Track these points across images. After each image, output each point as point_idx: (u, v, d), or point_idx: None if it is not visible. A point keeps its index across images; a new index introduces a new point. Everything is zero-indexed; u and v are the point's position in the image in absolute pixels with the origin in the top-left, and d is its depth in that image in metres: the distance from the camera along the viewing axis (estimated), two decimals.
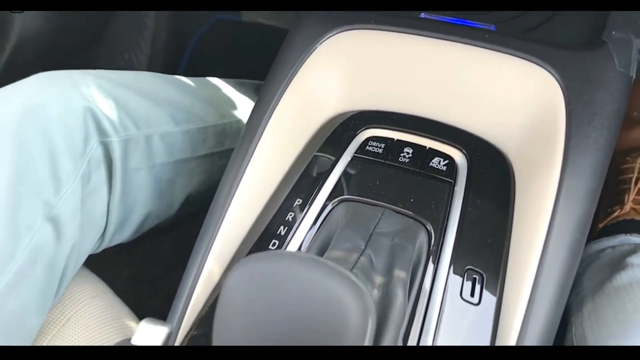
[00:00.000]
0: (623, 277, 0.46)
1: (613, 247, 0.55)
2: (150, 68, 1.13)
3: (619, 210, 0.60)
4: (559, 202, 0.38)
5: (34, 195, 0.38)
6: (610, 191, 0.64)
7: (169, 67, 1.16)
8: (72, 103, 0.41)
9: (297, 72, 0.46)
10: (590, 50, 0.42)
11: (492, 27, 0.46)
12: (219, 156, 0.54)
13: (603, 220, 0.61)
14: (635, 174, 0.61)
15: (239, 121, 0.58)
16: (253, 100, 0.64)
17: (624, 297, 0.43)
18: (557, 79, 0.41)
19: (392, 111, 0.45)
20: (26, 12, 1.02)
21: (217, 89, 0.60)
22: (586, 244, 0.60)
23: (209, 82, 0.61)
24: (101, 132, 0.42)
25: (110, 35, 1.12)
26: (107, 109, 0.43)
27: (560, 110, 0.40)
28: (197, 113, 0.52)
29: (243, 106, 0.60)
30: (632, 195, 0.60)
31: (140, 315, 0.49)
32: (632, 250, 0.52)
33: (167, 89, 0.52)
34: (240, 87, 0.64)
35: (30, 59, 1.04)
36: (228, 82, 0.64)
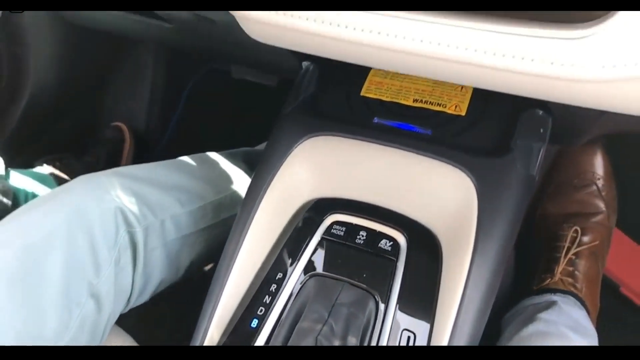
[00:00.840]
0: (529, 329, 0.59)
1: (535, 304, 0.69)
2: (149, 115, 1.25)
3: (549, 279, 0.73)
4: (470, 276, 0.51)
5: (81, 278, 0.51)
6: (546, 255, 0.76)
7: (166, 113, 1.28)
8: (106, 204, 0.54)
9: (278, 169, 0.59)
10: (499, 157, 0.56)
11: (429, 132, 0.59)
12: (215, 227, 0.67)
13: (538, 284, 0.74)
14: (567, 244, 0.75)
15: (233, 193, 0.71)
16: (243, 169, 0.77)
17: (522, 345, 0.57)
18: (472, 181, 0.54)
19: (352, 199, 0.59)
20: (37, 68, 1.13)
21: (213, 165, 0.73)
22: (520, 300, 0.74)
23: (206, 158, 0.74)
24: (128, 224, 0.55)
25: (113, 86, 1.24)
26: (131, 205, 0.56)
27: (474, 205, 0.53)
28: (198, 193, 0.65)
29: (236, 178, 0.74)
30: (561, 267, 0.73)
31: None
32: (547, 306, 0.66)
33: (173, 176, 0.65)
34: (232, 159, 0.77)
35: (44, 110, 1.16)
36: (222, 155, 0.77)
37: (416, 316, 0.51)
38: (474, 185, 0.54)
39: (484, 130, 0.59)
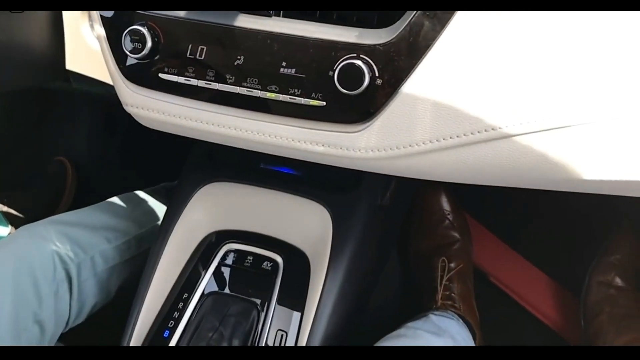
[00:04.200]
0: (392, 334, 0.74)
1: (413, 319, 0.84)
2: (89, 146, 1.38)
3: (434, 306, 0.90)
4: (326, 282, 0.68)
5: (26, 310, 0.66)
6: (427, 287, 0.93)
7: (105, 142, 1.40)
8: (44, 249, 0.69)
9: (182, 211, 0.75)
10: (350, 191, 0.73)
11: (300, 173, 0.76)
12: (139, 256, 0.82)
13: (424, 311, 0.90)
14: (439, 273, 0.93)
15: (154, 227, 0.86)
16: (163, 203, 0.93)
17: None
18: (329, 212, 0.71)
19: (242, 230, 0.75)
20: None
21: (137, 203, 0.89)
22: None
23: (131, 197, 0.89)
24: (63, 262, 0.70)
25: (53, 122, 1.36)
26: (65, 247, 0.71)
27: (330, 230, 0.70)
28: (122, 230, 0.81)
29: (156, 213, 0.89)
30: (440, 294, 0.91)
31: None
32: (418, 319, 0.82)
33: (102, 217, 0.80)
34: (154, 195, 0.92)
35: None
36: (146, 192, 0.92)
37: (288, 318, 0.68)
38: (330, 215, 0.71)
39: (341, 169, 0.76)
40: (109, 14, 0.58)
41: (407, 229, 1.02)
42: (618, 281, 0.93)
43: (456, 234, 0.97)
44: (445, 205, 0.98)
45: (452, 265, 0.94)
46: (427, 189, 1.00)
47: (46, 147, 1.35)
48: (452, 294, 0.92)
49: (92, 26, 0.71)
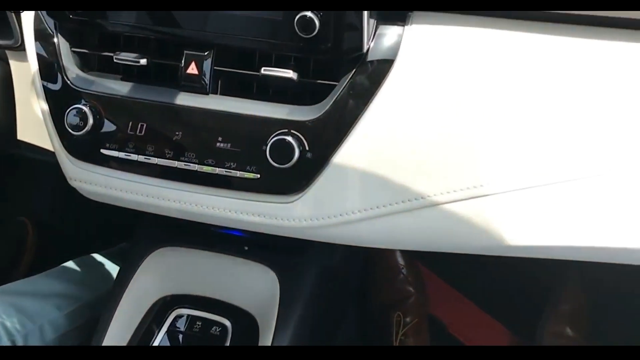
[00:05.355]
0: None
1: None
2: (53, 203, 1.37)
3: None
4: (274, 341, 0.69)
5: None
6: (384, 342, 0.95)
7: (70, 199, 1.40)
8: None
9: (133, 274, 0.75)
10: (297, 255, 0.75)
11: (249, 236, 0.77)
12: (92, 322, 0.82)
13: None
14: (394, 328, 0.94)
15: (108, 291, 0.86)
16: (119, 265, 0.93)
17: None
18: (276, 275, 0.73)
19: (192, 294, 0.76)
20: None
21: (91, 267, 0.89)
22: None
23: (86, 261, 0.89)
24: (9, 334, 0.70)
25: (16, 178, 1.35)
26: (12, 319, 0.71)
27: (277, 292, 0.72)
28: (75, 296, 0.81)
29: (112, 275, 0.89)
30: None
31: None
32: None
33: (54, 284, 0.80)
34: (110, 258, 0.93)
35: None
36: (102, 255, 0.93)
37: None
38: (277, 277, 0.73)
39: None
40: (55, 86, 0.60)
41: (363, 285, 1.03)
42: (569, 331, 0.95)
43: (411, 288, 0.99)
44: (400, 260, 1.01)
45: (407, 319, 0.95)
46: None
47: (7, 206, 1.35)
48: None
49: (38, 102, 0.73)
